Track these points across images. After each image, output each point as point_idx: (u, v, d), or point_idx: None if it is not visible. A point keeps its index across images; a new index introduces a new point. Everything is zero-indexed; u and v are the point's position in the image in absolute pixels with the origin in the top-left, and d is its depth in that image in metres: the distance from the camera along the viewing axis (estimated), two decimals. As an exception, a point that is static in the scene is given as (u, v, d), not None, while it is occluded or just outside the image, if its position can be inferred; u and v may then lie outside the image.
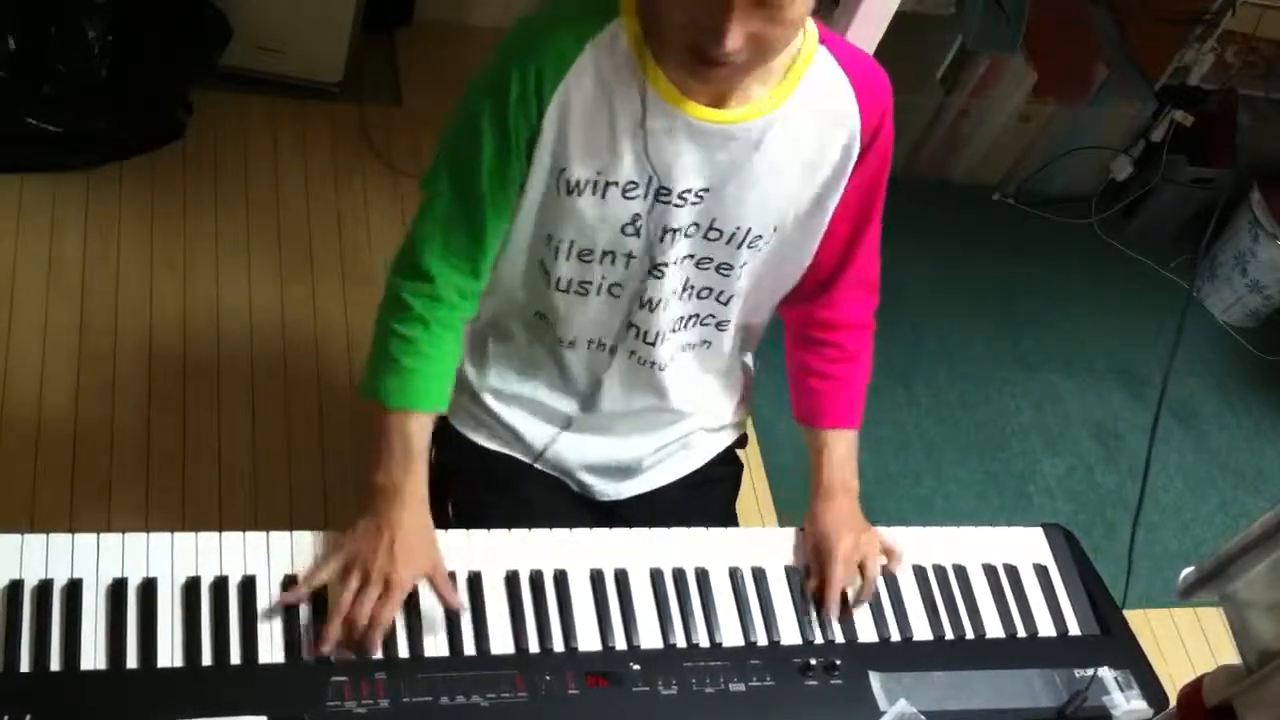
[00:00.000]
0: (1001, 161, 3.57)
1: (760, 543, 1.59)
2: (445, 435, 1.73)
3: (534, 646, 1.40)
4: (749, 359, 1.80)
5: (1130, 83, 3.46)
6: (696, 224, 1.47)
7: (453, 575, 1.43)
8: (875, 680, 1.47)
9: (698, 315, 1.59)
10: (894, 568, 1.59)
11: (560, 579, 1.47)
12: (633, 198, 1.43)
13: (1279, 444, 3.32)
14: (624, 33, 1.37)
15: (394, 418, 1.45)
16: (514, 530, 1.50)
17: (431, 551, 1.43)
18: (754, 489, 2.69)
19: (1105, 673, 1.55)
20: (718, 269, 1.53)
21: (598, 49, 1.37)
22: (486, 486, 1.70)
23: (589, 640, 1.43)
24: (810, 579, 1.56)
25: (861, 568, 1.57)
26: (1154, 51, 3.45)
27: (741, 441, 1.84)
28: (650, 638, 1.45)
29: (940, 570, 1.62)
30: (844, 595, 1.56)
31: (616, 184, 1.42)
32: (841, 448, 1.65)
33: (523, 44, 1.39)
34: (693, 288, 1.55)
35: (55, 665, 1.27)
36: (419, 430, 1.46)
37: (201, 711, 1.26)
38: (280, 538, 1.41)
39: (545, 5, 1.42)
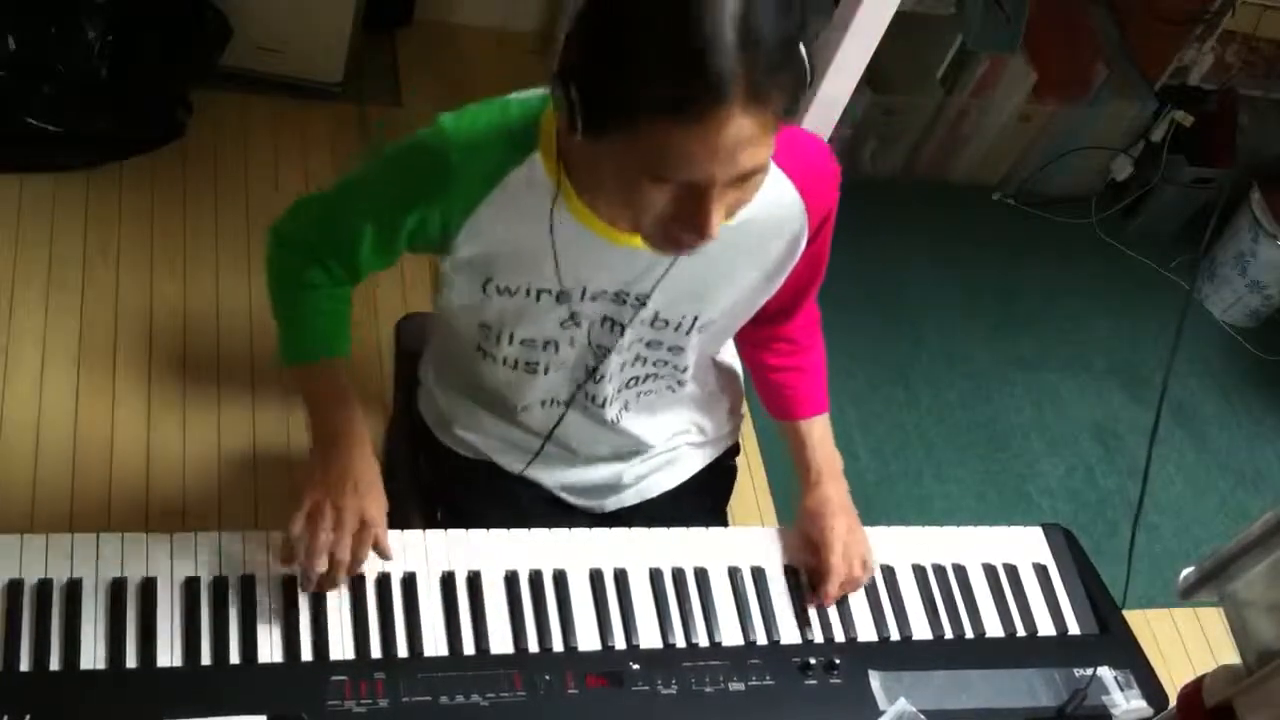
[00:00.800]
0: (1001, 161, 3.57)
1: (760, 542, 1.59)
2: (430, 445, 1.73)
3: (533, 646, 1.41)
4: (736, 364, 1.79)
5: (1130, 83, 3.46)
6: (641, 319, 1.46)
7: (452, 575, 1.44)
8: (875, 679, 1.47)
9: (654, 374, 1.58)
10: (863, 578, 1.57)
11: (560, 579, 1.47)
12: (566, 302, 1.43)
13: (1279, 444, 3.32)
14: (541, 167, 1.32)
15: (318, 370, 1.49)
16: (514, 530, 1.50)
17: (383, 493, 1.44)
18: (754, 489, 2.69)
19: (1105, 672, 1.55)
20: (669, 349, 1.53)
21: (514, 184, 1.33)
22: (478, 496, 1.70)
23: (588, 640, 1.43)
24: (806, 571, 1.56)
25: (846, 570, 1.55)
26: (1154, 51, 3.45)
27: (734, 451, 1.84)
28: (650, 637, 1.45)
29: (940, 570, 1.62)
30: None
31: (549, 292, 1.41)
32: (816, 433, 1.66)
33: (430, 174, 1.33)
34: (644, 359, 1.55)
35: (55, 665, 1.27)
36: (343, 373, 1.50)
37: (201, 711, 1.26)
38: (280, 538, 1.41)
39: (455, 123, 1.33)
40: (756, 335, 1.65)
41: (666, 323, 1.48)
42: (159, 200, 2.76)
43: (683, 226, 1.20)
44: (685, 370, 1.58)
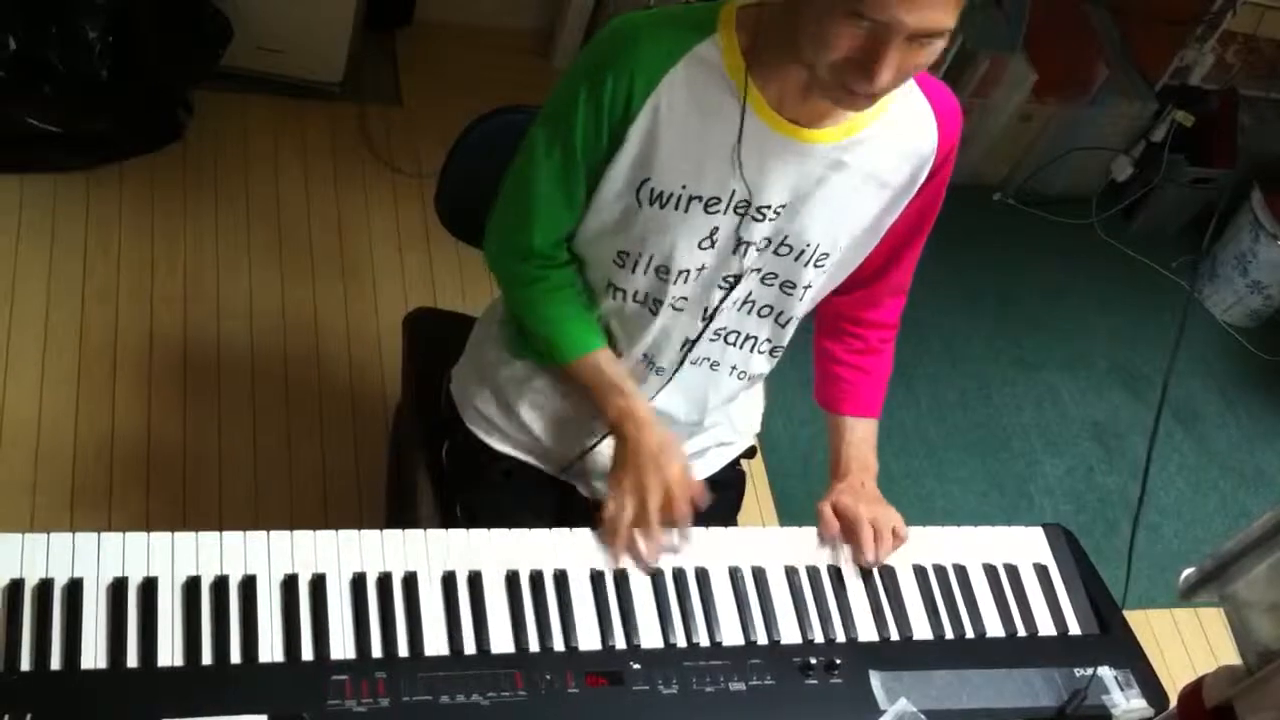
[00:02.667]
0: (1001, 161, 3.57)
1: (760, 542, 1.59)
2: (456, 438, 1.73)
3: (534, 646, 1.41)
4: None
5: (1130, 83, 3.46)
6: (769, 239, 1.49)
7: (453, 575, 1.44)
8: (875, 679, 1.47)
9: (755, 338, 1.61)
10: (898, 541, 1.60)
11: (560, 578, 1.47)
12: (714, 212, 1.45)
13: (1279, 444, 3.32)
14: (720, 49, 1.37)
15: (585, 365, 1.57)
16: (514, 530, 1.50)
17: (682, 454, 1.55)
18: (754, 490, 2.69)
19: (1105, 672, 1.55)
20: (782, 286, 1.55)
21: (692, 64, 1.38)
22: (498, 489, 1.71)
23: (589, 639, 1.43)
24: (837, 538, 1.60)
25: (877, 530, 1.59)
26: (1154, 51, 3.45)
27: (750, 453, 1.85)
28: (650, 637, 1.45)
29: (940, 570, 1.62)
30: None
31: (700, 198, 1.44)
32: (861, 431, 1.69)
33: (618, 47, 1.39)
34: (753, 302, 1.56)
35: (56, 664, 1.27)
36: (608, 362, 1.58)
37: (202, 710, 1.26)
38: (280, 537, 1.41)
39: (639, 12, 1.42)
40: (837, 314, 1.67)
41: (790, 248, 1.50)
42: (159, 200, 2.77)
43: (856, 71, 1.26)
44: (788, 325, 1.60)
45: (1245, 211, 3.45)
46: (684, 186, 1.43)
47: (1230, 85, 3.50)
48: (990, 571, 1.63)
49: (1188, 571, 1.18)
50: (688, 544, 1.51)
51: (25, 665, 1.26)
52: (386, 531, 1.45)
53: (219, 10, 2.78)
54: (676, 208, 1.45)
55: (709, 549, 1.55)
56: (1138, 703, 1.53)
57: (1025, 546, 1.69)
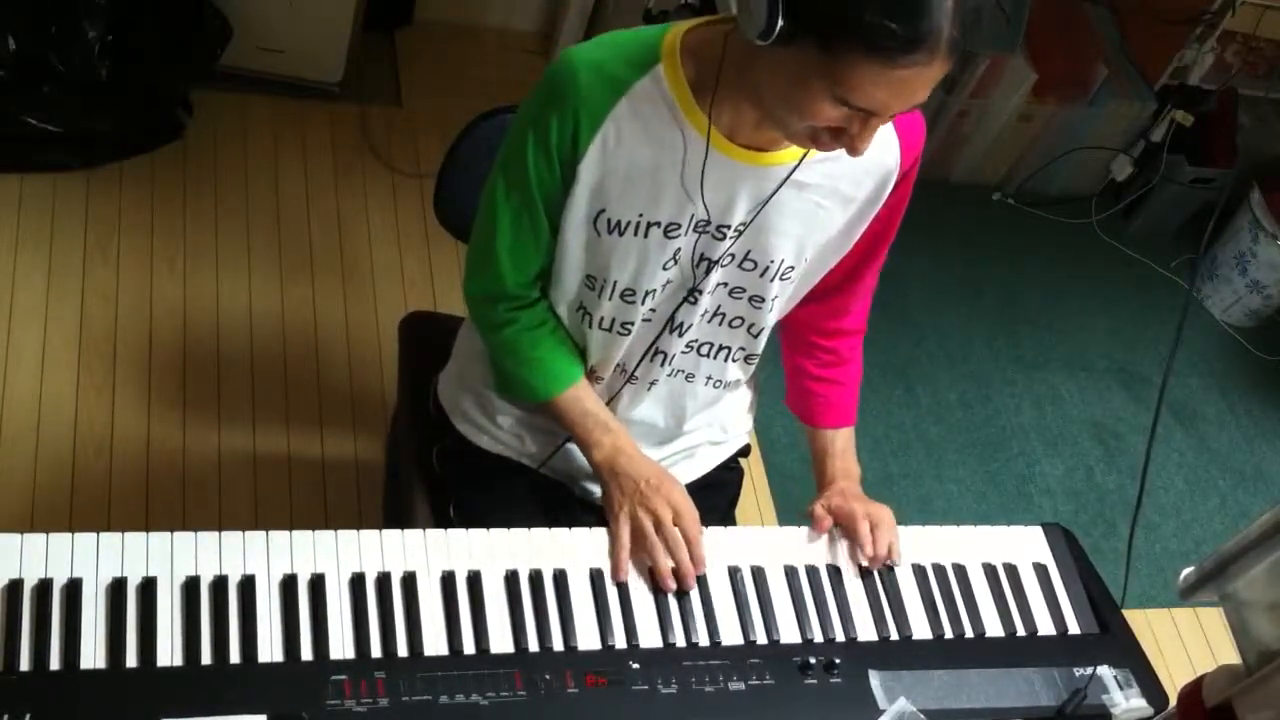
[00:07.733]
0: (1001, 161, 3.57)
1: (760, 542, 1.59)
2: (448, 438, 1.74)
3: (533, 645, 1.41)
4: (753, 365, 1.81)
5: (1130, 83, 3.46)
6: (733, 254, 1.50)
7: (452, 575, 1.44)
8: (875, 679, 1.47)
9: (728, 348, 1.62)
10: (895, 554, 1.60)
11: (560, 578, 1.47)
12: (674, 236, 1.46)
13: (1279, 444, 3.32)
14: (665, 80, 1.37)
15: (564, 402, 1.58)
16: (514, 530, 1.50)
17: (673, 477, 1.56)
18: (754, 490, 2.69)
19: (1104, 671, 1.55)
20: (750, 300, 1.56)
21: (637, 97, 1.38)
22: (488, 489, 1.71)
23: (588, 639, 1.43)
24: (836, 533, 1.60)
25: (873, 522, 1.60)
26: (1154, 51, 3.45)
27: (744, 451, 1.86)
28: (650, 637, 1.45)
29: (940, 569, 1.62)
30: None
31: (659, 224, 1.45)
32: (841, 442, 1.72)
33: (559, 89, 1.39)
34: (723, 315, 1.58)
35: (55, 664, 1.27)
36: (587, 397, 1.60)
37: (201, 710, 1.26)
38: (280, 537, 1.41)
39: (589, 43, 1.42)
40: (807, 326, 1.68)
41: (755, 264, 1.51)
42: (159, 200, 2.76)
43: (835, 139, 1.29)
44: (760, 335, 1.61)
45: (1244, 211, 3.45)
46: (640, 215, 1.44)
47: (1229, 85, 3.49)
48: (990, 571, 1.63)
49: (1187, 571, 1.17)
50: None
51: (24, 665, 1.26)
52: (385, 531, 1.45)
53: (219, 10, 2.78)
54: (635, 234, 1.46)
55: (708, 549, 1.55)
56: (1137, 702, 1.53)
57: (1024, 546, 1.69)
